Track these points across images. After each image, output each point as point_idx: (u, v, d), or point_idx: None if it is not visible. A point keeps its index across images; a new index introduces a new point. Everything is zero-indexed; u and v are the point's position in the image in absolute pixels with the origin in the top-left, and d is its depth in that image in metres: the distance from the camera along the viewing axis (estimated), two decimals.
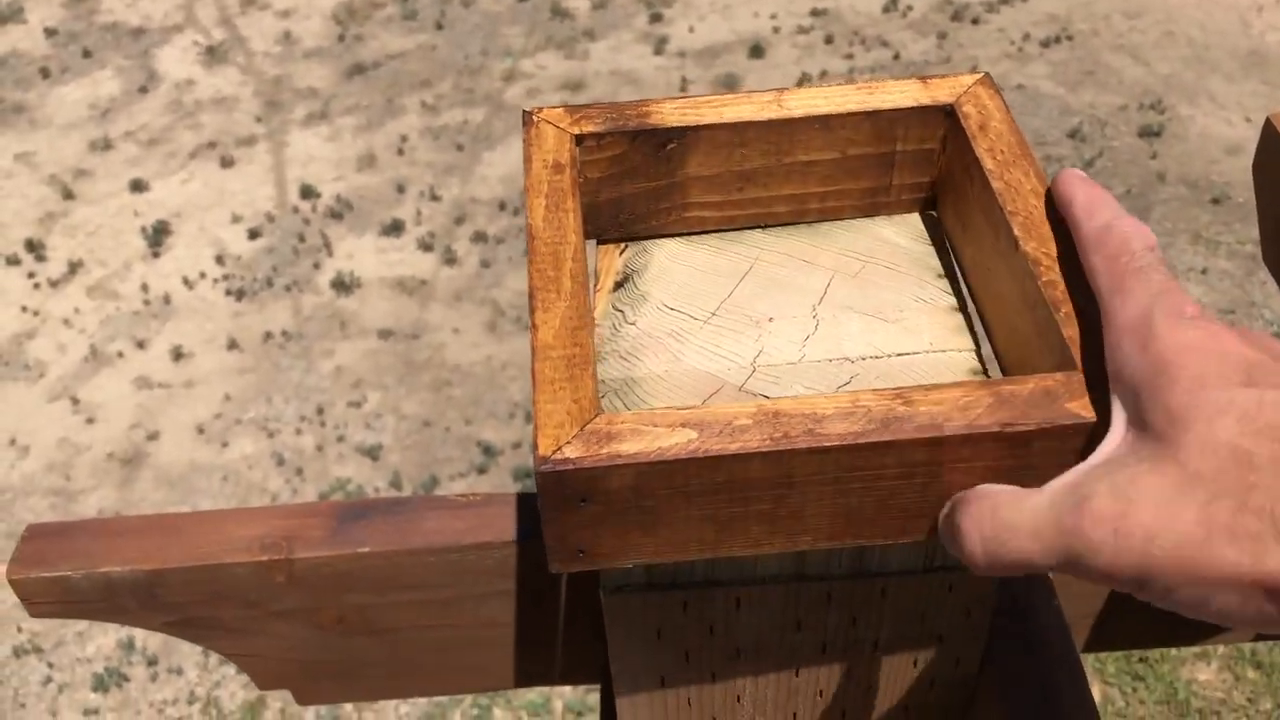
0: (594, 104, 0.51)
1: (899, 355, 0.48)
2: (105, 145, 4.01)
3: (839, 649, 0.53)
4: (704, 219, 0.53)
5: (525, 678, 0.69)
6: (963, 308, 0.50)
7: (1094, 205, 0.43)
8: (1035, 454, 0.39)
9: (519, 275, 3.43)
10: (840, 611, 0.51)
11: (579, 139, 0.50)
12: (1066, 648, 0.56)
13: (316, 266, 3.51)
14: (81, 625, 2.61)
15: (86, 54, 4.46)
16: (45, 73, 4.39)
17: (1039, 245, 0.44)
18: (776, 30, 4.36)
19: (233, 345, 3.28)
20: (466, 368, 3.18)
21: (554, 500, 0.39)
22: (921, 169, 0.53)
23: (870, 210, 0.54)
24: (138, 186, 3.83)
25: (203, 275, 3.50)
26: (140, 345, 3.29)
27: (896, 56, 4.18)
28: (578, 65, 4.26)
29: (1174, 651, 2.37)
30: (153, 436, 3.03)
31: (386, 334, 3.28)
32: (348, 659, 0.66)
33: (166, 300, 3.43)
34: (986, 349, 0.49)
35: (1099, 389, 0.39)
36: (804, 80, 4.04)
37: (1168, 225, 3.47)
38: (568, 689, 2.43)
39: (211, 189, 3.81)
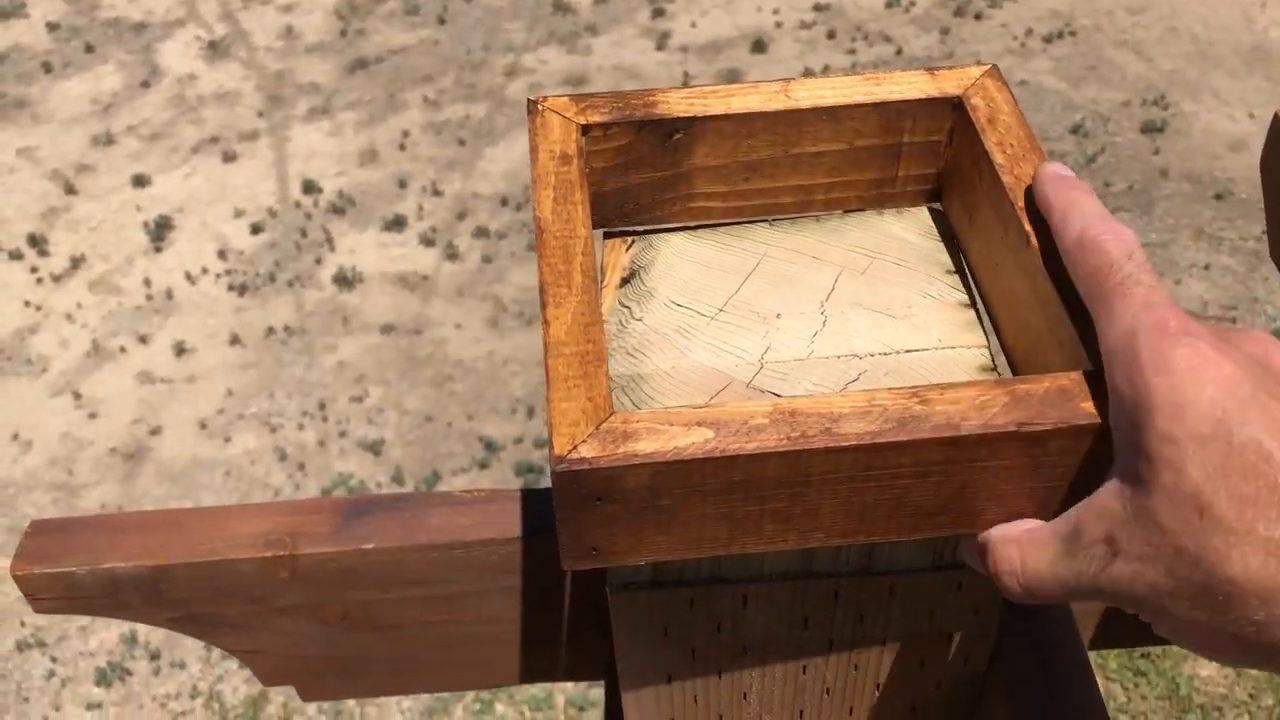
0: (600, 93, 0.50)
1: (907, 352, 0.47)
2: (107, 140, 4.01)
3: (846, 646, 0.53)
4: (709, 210, 0.53)
5: (529, 674, 0.69)
6: (972, 304, 0.49)
7: (1068, 213, 0.42)
8: (1050, 453, 0.39)
9: (521, 271, 3.43)
10: (848, 609, 0.51)
11: (585, 129, 0.49)
12: (1075, 646, 0.56)
13: (319, 262, 3.51)
14: (84, 620, 2.61)
15: (89, 49, 4.46)
16: (47, 67, 4.38)
17: (1050, 240, 0.43)
18: (779, 25, 4.35)
19: (235, 340, 3.28)
20: (468, 363, 3.18)
21: (569, 499, 0.39)
22: (927, 161, 0.52)
23: (875, 202, 0.54)
24: (140, 181, 3.82)
25: (205, 270, 3.50)
26: (142, 340, 3.29)
27: (899, 52, 4.17)
28: (580, 60, 4.25)
29: (1176, 648, 2.37)
30: (155, 431, 3.03)
31: (388, 329, 3.28)
32: (352, 655, 0.66)
33: (169, 295, 3.43)
34: (994, 344, 0.48)
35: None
36: (807, 75, 4.03)
37: (1170, 221, 3.46)
38: (570, 684, 2.43)
39: (214, 184, 3.81)
